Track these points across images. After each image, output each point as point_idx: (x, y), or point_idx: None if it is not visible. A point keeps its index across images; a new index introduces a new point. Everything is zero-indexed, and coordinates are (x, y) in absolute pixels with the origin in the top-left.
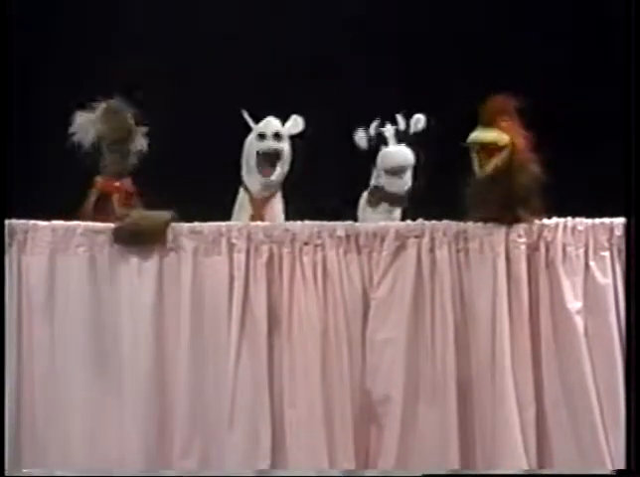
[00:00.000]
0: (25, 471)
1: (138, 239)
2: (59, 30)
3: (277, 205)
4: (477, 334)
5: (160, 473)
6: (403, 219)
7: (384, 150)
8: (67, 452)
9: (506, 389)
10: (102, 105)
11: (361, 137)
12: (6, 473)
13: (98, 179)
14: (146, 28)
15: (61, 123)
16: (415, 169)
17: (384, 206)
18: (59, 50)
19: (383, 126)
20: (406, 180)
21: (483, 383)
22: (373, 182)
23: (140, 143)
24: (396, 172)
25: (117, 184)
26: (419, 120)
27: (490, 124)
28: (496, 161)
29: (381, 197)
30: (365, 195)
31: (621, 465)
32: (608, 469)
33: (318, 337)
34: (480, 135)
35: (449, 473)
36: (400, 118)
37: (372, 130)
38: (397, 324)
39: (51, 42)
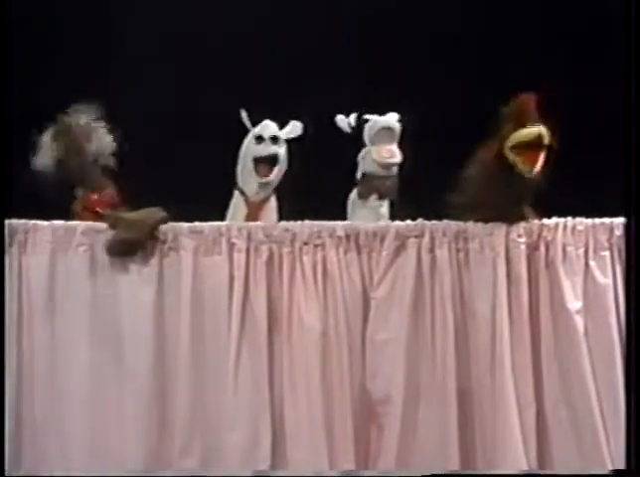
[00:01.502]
0: (25, 471)
1: (132, 249)
2: (59, 30)
3: (272, 207)
4: (477, 334)
5: (160, 473)
6: (392, 212)
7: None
8: (67, 452)
9: (506, 388)
10: (52, 128)
11: (342, 120)
12: (6, 473)
13: (79, 193)
14: (145, 28)
15: None
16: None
17: (374, 198)
18: (59, 50)
19: (363, 115)
20: (395, 150)
21: (483, 382)
22: (360, 170)
23: (103, 148)
24: (383, 135)
25: (96, 197)
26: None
27: (529, 123)
28: (542, 159)
29: (371, 186)
30: (355, 189)
31: (621, 465)
32: (608, 469)
33: (318, 337)
34: (540, 133)
35: (449, 473)
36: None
37: (352, 120)
38: (397, 324)
39: (51, 42)
